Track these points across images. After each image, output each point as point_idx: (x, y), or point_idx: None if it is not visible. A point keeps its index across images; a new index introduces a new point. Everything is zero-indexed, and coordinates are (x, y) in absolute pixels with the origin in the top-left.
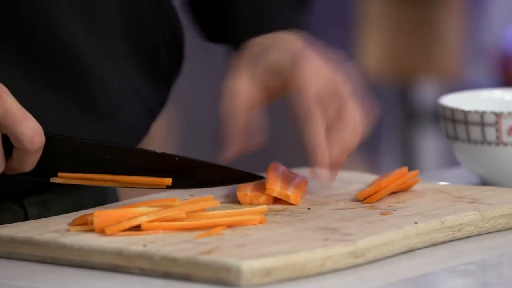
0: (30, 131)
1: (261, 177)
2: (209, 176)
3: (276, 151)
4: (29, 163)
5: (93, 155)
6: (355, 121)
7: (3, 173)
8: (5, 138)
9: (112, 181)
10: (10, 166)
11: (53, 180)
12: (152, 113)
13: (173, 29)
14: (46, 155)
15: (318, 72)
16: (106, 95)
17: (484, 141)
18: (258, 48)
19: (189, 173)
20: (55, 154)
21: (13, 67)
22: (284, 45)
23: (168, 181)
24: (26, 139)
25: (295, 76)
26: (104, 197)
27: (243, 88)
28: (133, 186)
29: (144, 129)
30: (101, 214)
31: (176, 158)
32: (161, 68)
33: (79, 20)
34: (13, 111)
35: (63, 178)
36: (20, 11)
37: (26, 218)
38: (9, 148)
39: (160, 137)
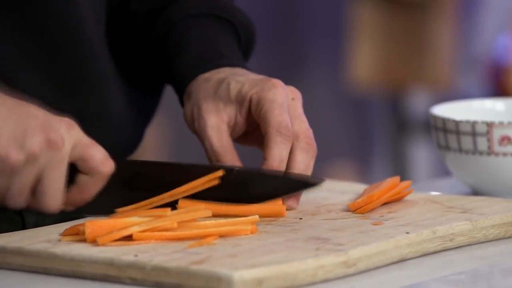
0: (101, 154)
1: (320, 181)
2: (263, 189)
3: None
4: (94, 190)
5: (152, 177)
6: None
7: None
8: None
9: (169, 196)
10: (70, 197)
11: (111, 217)
12: (146, 119)
13: None
14: (105, 187)
15: (285, 101)
16: (115, 100)
17: (475, 151)
18: (210, 84)
19: (245, 187)
20: (115, 181)
21: (43, 83)
22: (240, 77)
23: (220, 172)
24: (98, 161)
25: (265, 100)
26: None
27: (216, 125)
28: (189, 193)
29: (140, 135)
30: (92, 224)
31: (235, 171)
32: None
33: (95, 27)
34: (84, 138)
35: (121, 212)
36: (50, 25)
37: (23, 226)
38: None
39: (152, 147)
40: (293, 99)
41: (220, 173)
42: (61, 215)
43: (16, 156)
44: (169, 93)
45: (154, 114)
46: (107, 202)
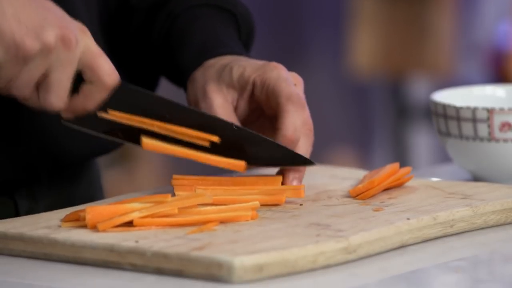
0: (109, 65)
1: (312, 163)
2: (259, 153)
3: None
4: (97, 100)
5: (153, 110)
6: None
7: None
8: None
9: (160, 127)
10: (72, 104)
11: (100, 114)
12: None
13: None
14: (103, 105)
15: (289, 78)
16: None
17: (476, 137)
18: (214, 69)
19: (240, 147)
20: (115, 103)
21: None
22: (242, 62)
23: (215, 138)
24: (105, 72)
25: (270, 80)
26: (91, 192)
27: (221, 106)
28: (178, 137)
29: None
30: (93, 210)
31: (235, 127)
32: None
33: (89, 23)
34: (93, 47)
35: (112, 115)
36: None
37: (16, 210)
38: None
39: None
40: (295, 84)
41: (215, 139)
42: (54, 200)
43: (31, 44)
44: (167, 82)
45: None
46: (102, 120)
